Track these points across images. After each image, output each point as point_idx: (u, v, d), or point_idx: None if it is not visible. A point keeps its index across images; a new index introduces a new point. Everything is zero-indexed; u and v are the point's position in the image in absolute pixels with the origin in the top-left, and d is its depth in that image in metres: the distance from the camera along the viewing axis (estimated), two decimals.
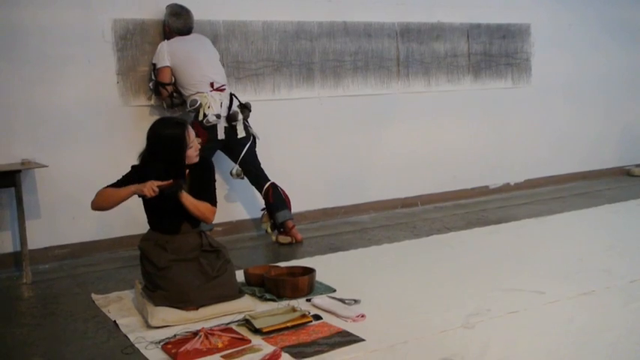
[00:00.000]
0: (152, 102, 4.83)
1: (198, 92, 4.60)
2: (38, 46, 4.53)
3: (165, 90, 4.65)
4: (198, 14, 5.05)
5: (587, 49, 7.25)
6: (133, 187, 3.33)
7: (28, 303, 3.76)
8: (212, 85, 4.64)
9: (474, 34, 6.44)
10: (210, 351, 2.78)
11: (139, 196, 3.38)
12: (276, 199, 4.81)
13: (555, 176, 7.12)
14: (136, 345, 2.91)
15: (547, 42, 6.92)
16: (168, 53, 4.62)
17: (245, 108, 4.76)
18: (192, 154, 3.42)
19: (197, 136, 4.34)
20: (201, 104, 4.56)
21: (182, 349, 2.78)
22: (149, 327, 3.11)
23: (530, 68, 6.84)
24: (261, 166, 4.92)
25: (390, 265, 4.13)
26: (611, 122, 7.53)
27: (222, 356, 2.73)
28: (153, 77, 4.72)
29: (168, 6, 4.77)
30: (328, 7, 5.66)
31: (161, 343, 2.89)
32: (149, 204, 3.43)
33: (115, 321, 3.26)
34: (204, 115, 4.55)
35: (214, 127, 4.59)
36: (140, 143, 3.58)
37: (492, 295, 3.37)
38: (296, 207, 5.54)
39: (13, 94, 4.47)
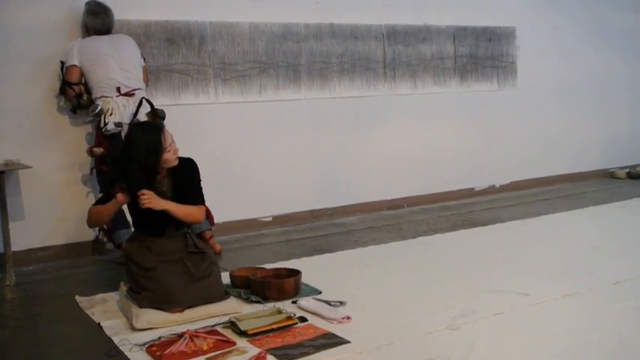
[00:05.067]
0: (61, 103, 4.60)
1: (103, 96, 4.32)
2: (22, 45, 4.49)
3: (72, 90, 4.37)
4: (185, 15, 5.05)
5: (572, 51, 7.30)
6: (112, 203, 3.34)
7: (11, 305, 3.73)
8: (119, 89, 4.35)
9: (460, 36, 6.47)
10: (195, 353, 2.76)
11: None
12: None
13: (540, 178, 7.16)
14: (121, 347, 2.89)
15: (532, 45, 6.96)
16: (77, 52, 4.37)
17: (156, 115, 4.36)
18: (171, 157, 3.36)
19: (99, 145, 4.27)
20: (102, 110, 4.27)
21: (167, 351, 2.76)
22: (134, 329, 3.08)
23: (516, 71, 6.88)
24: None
25: (376, 266, 4.13)
26: (597, 124, 7.59)
27: (207, 358, 2.72)
28: (60, 76, 4.48)
29: (86, 3, 4.52)
30: (315, 8, 5.66)
31: (145, 346, 2.87)
32: (134, 206, 3.41)
33: (99, 323, 3.23)
34: (105, 123, 4.24)
35: (117, 135, 4.23)
36: None
37: (478, 297, 3.38)
38: (282, 208, 5.56)
39: None
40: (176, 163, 3.41)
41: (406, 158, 6.19)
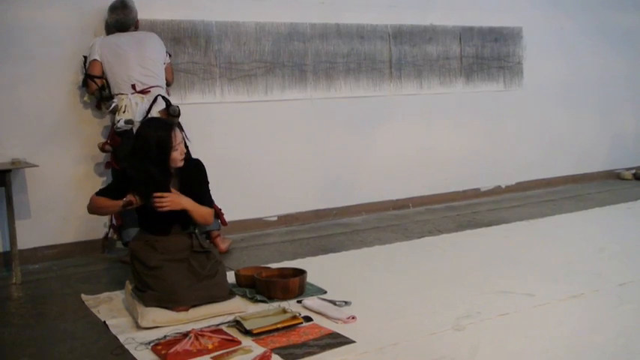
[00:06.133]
0: (85, 98, 4.63)
1: (120, 93, 4.35)
2: (29, 44, 4.51)
3: (95, 83, 4.40)
4: (191, 15, 5.06)
5: (579, 52, 7.28)
6: (120, 203, 3.37)
7: (17, 303, 3.74)
8: (134, 87, 4.35)
9: (466, 36, 6.46)
10: (200, 352, 2.77)
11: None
12: None
13: (546, 179, 7.15)
14: (126, 346, 2.90)
15: (539, 45, 6.95)
16: (99, 47, 4.40)
17: (168, 113, 4.32)
18: (177, 157, 3.37)
19: (111, 141, 4.32)
20: (116, 106, 4.31)
21: (172, 350, 2.77)
22: (139, 328, 3.09)
23: (522, 71, 6.87)
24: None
25: (381, 267, 4.13)
26: (603, 125, 7.57)
27: (212, 357, 2.72)
28: (84, 70, 4.51)
29: None
30: (321, 8, 5.66)
31: (151, 344, 2.88)
32: (141, 205, 3.42)
33: (104, 322, 3.25)
34: (117, 120, 4.28)
35: (129, 132, 4.22)
36: None
37: (483, 298, 3.38)
38: (287, 208, 5.56)
39: (4, 93, 4.45)
40: (182, 164, 3.42)
41: (411, 158, 6.19)
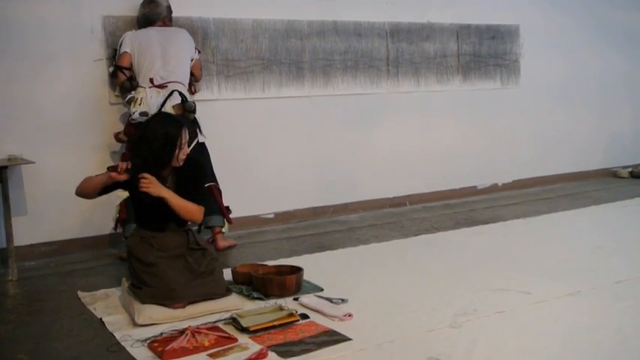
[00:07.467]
0: (116, 93, 4.69)
1: (140, 86, 4.44)
2: (26, 41, 4.50)
3: (123, 74, 4.50)
4: (189, 11, 5.05)
5: (576, 50, 7.29)
6: (102, 176, 3.34)
7: (13, 300, 3.74)
8: (152, 80, 4.42)
9: (463, 34, 6.46)
10: (197, 349, 2.77)
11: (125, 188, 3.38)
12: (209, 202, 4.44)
13: (543, 177, 7.15)
14: (122, 343, 2.90)
15: (536, 43, 6.95)
16: (130, 40, 4.51)
17: (184, 109, 4.37)
18: (181, 156, 3.38)
19: (125, 133, 4.41)
20: (132, 98, 4.39)
21: (168, 347, 2.76)
22: (135, 325, 3.09)
23: (519, 69, 6.87)
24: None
25: (378, 264, 4.14)
26: (600, 124, 7.58)
27: (208, 355, 2.72)
28: (114, 63, 4.61)
29: None
30: (318, 6, 5.66)
31: (147, 341, 2.88)
32: (136, 200, 3.42)
33: (101, 319, 3.24)
34: (133, 112, 4.35)
35: (143, 124, 4.26)
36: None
37: (479, 295, 3.38)
38: (285, 206, 5.56)
39: (1, 89, 4.44)
40: (181, 164, 3.42)
41: (409, 156, 6.19)
